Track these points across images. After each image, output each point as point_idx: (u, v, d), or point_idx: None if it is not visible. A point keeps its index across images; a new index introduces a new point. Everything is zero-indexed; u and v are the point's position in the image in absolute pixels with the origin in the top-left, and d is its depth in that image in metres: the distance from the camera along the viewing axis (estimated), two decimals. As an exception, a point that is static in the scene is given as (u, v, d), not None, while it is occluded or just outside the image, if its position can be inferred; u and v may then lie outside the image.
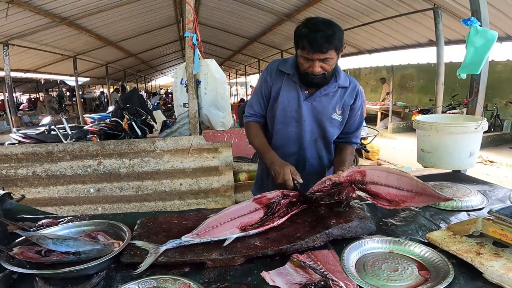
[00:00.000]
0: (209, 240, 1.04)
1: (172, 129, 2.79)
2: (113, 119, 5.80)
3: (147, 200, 2.67)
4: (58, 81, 13.81)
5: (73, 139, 4.46)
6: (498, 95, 8.45)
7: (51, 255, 0.98)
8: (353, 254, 1.00)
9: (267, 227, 1.10)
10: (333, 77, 1.44)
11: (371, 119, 10.41)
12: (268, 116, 1.58)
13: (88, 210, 2.60)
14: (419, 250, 1.00)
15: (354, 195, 1.22)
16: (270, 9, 6.16)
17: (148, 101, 13.54)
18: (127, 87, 14.96)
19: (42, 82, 11.44)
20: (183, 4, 4.95)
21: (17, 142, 4.69)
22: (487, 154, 6.85)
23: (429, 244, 1.04)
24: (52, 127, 4.69)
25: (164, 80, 26.89)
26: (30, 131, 4.87)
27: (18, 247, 1.00)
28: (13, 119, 5.95)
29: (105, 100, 18.38)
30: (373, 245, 1.05)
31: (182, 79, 2.77)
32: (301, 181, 1.31)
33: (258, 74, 13.38)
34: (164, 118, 7.63)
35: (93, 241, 1.05)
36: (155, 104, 12.56)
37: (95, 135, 4.78)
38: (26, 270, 0.91)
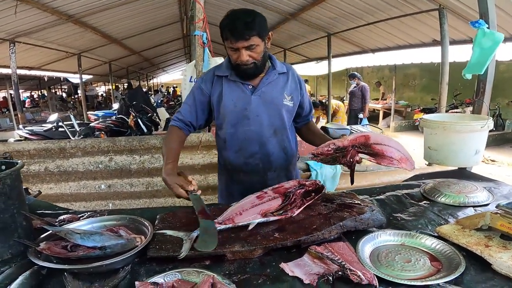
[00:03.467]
0: (234, 226, 1.10)
1: (181, 126, 2.84)
2: (118, 116, 5.86)
3: (156, 196, 2.72)
4: (62, 78, 13.89)
5: (81, 136, 4.51)
6: (501, 95, 8.48)
7: (78, 250, 1.00)
8: (367, 246, 1.04)
9: (286, 216, 1.15)
10: (265, 65, 1.45)
11: (373, 118, 10.45)
12: (218, 124, 1.55)
13: (99, 206, 2.66)
14: (430, 242, 1.04)
15: (358, 159, 1.24)
16: (276, 8, 6.20)
17: (151, 98, 13.63)
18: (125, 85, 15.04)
19: (46, 79, 11.51)
20: (188, 2, 4.98)
21: (23, 138, 4.74)
22: (489, 153, 6.90)
23: (439, 237, 1.07)
24: (60, 123, 4.74)
25: (165, 78, 26.96)
26: (37, 128, 4.94)
27: (44, 242, 1.02)
28: (18, 115, 6.01)
29: (106, 97, 18.46)
30: (386, 237, 1.08)
31: (191, 76, 2.82)
32: (191, 188, 1.24)
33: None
34: (168, 116, 7.70)
35: (117, 235, 1.08)
36: (159, 101, 12.62)
37: (103, 132, 4.84)
38: (57, 265, 0.93)
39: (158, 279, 0.88)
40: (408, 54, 7.40)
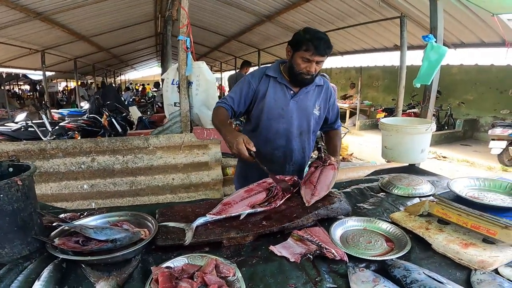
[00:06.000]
0: (227, 216, 1.27)
1: (164, 127, 2.95)
2: (91, 115, 5.72)
3: (140, 195, 2.80)
4: (20, 75, 13.02)
5: (54, 136, 4.39)
6: (452, 96, 9.26)
7: (90, 244, 1.07)
8: (338, 230, 1.26)
9: (271, 207, 1.36)
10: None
11: (341, 117, 10.93)
12: (254, 115, 1.77)
13: (81, 206, 2.68)
14: (386, 227, 1.25)
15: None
16: (252, 10, 6.33)
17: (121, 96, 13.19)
18: (88, 82, 14.34)
19: (4, 76, 10.76)
20: (165, 1, 4.99)
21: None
22: (441, 150, 7.56)
23: (392, 222, 1.28)
24: (29, 123, 4.57)
25: (134, 75, 26.03)
26: (4, 128, 4.70)
27: (57, 238, 1.09)
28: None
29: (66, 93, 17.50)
30: (352, 223, 1.31)
31: (173, 79, 2.92)
32: (254, 149, 1.43)
33: (234, 71, 13.47)
34: (140, 114, 7.59)
35: (124, 229, 1.17)
36: (130, 100, 12.25)
37: (76, 132, 4.73)
38: (82, 257, 1.00)
39: (169, 264, 1.00)
40: (373, 57, 7.88)
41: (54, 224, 1.21)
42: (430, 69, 2.20)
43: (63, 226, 1.17)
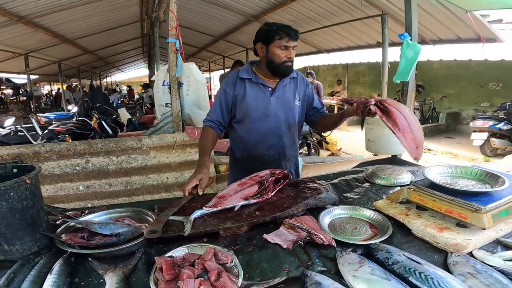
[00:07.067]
0: (223, 208, 1.35)
1: (156, 127, 3.00)
2: (80, 118, 5.69)
3: (135, 194, 2.85)
4: (4, 79, 12.71)
5: (44, 140, 4.37)
6: (435, 90, 9.56)
7: (95, 239, 1.11)
8: (326, 218, 1.33)
9: (263, 199, 1.44)
10: None
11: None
12: (238, 119, 1.79)
13: (78, 207, 2.70)
14: (370, 214, 1.32)
15: (372, 109, 1.33)
16: (239, 10, 6.38)
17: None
18: (73, 85, 14.08)
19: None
20: (151, 3, 5.00)
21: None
22: (425, 143, 7.75)
23: (376, 210, 1.35)
24: (19, 127, 4.53)
25: (120, 76, 25.68)
26: (-9, 133, 4.63)
27: (63, 234, 1.14)
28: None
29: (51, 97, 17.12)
30: (339, 211, 1.38)
31: (164, 80, 2.98)
32: (200, 193, 1.49)
33: (222, 71, 13.49)
34: (129, 116, 7.57)
35: (126, 224, 1.22)
36: (118, 102, 12.11)
37: (67, 135, 4.71)
38: (92, 250, 1.06)
39: (171, 254, 1.06)
40: (358, 54, 8.07)
41: (58, 222, 1.27)
42: (407, 66, 2.32)
43: (68, 223, 1.22)
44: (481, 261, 0.97)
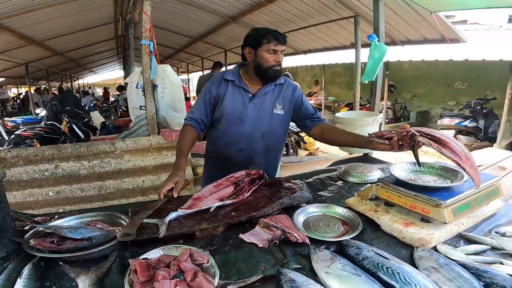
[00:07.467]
0: (198, 210, 1.34)
1: (131, 130, 2.94)
2: (49, 122, 5.43)
3: (109, 199, 2.78)
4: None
5: (11, 145, 4.15)
6: (406, 90, 9.94)
7: (65, 244, 1.09)
8: (300, 216, 1.35)
9: (238, 200, 1.45)
10: None
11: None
12: (215, 119, 1.80)
13: (48, 212, 2.62)
14: (341, 211, 1.35)
15: (420, 143, 1.19)
16: (216, 11, 6.34)
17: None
18: (42, 87, 13.45)
19: None
20: (126, 4, 4.88)
21: None
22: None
23: (347, 207, 1.38)
24: (-18, 133, 4.27)
25: (93, 78, 24.77)
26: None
27: (32, 239, 1.11)
28: None
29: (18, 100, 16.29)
30: (312, 210, 1.40)
31: (137, 83, 2.92)
32: (175, 196, 1.48)
33: (201, 72, 13.37)
34: (103, 119, 7.34)
35: (98, 228, 1.20)
36: (91, 104, 11.68)
37: (35, 140, 4.50)
38: (62, 254, 1.03)
39: (146, 256, 1.04)
40: (335, 55, 8.24)
41: (26, 228, 1.23)
42: (374, 66, 2.40)
43: (37, 228, 1.18)
44: (445, 255, 1.00)
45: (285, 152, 5.91)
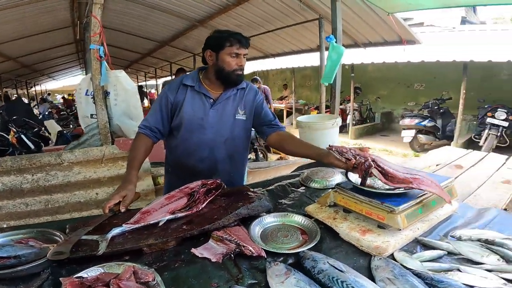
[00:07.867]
0: (146, 224, 1.23)
1: (80, 140, 2.71)
2: (-6, 133, 4.96)
3: (59, 212, 2.54)
4: None
5: None
6: (370, 92, 10.33)
7: None
8: (257, 227, 1.28)
9: (192, 212, 1.35)
10: None
11: (278, 117, 11.35)
12: (174, 126, 1.69)
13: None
14: (300, 219, 1.29)
15: (373, 172, 1.19)
16: (182, 14, 6.21)
17: (35, 110, 11.68)
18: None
19: None
20: (83, 8, 4.60)
21: None
22: (364, 142, 8.36)
23: (307, 215, 1.33)
24: None
25: (53, 85, 23.31)
26: None
27: None
28: None
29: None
30: (270, 219, 1.34)
31: (87, 90, 2.71)
32: (122, 210, 1.38)
33: (170, 77, 13.02)
34: (60, 128, 6.87)
35: (30, 245, 1.12)
36: (46, 113, 10.94)
37: (-23, 153, 4.07)
38: None
39: (82, 274, 0.96)
40: (304, 58, 8.36)
41: None
42: (332, 68, 2.39)
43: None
44: (401, 264, 0.98)
45: (254, 157, 5.84)
